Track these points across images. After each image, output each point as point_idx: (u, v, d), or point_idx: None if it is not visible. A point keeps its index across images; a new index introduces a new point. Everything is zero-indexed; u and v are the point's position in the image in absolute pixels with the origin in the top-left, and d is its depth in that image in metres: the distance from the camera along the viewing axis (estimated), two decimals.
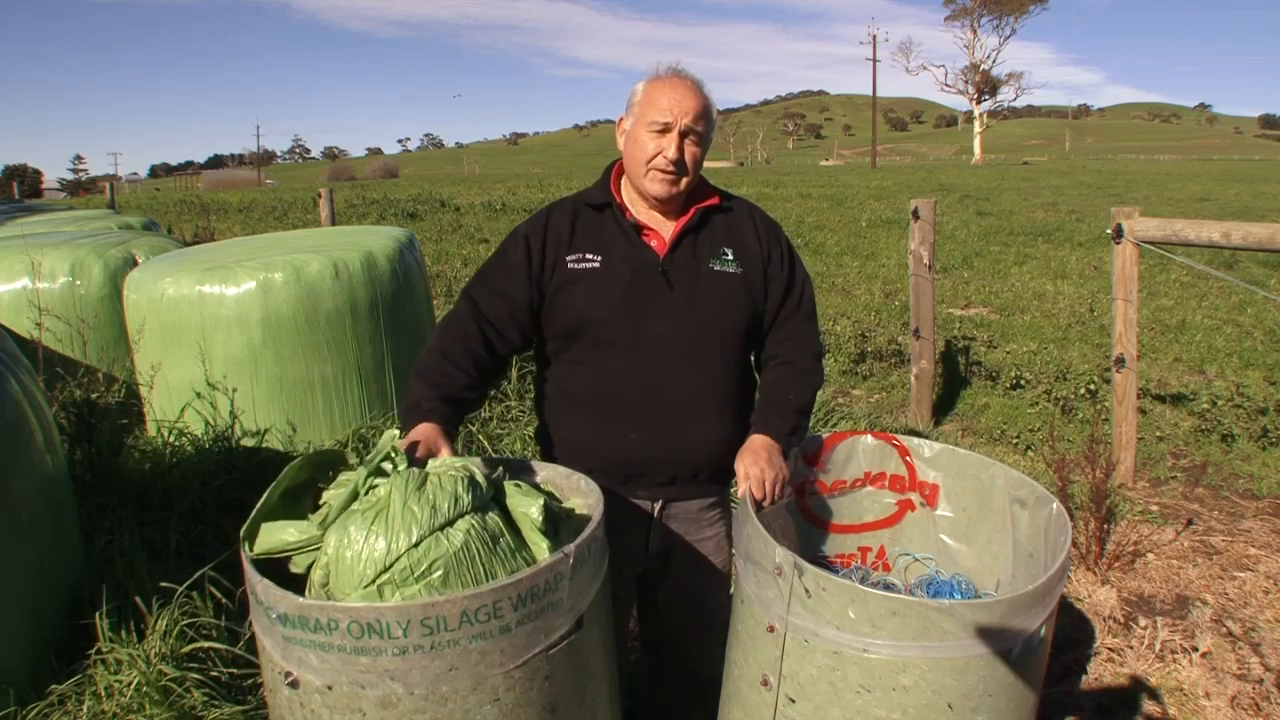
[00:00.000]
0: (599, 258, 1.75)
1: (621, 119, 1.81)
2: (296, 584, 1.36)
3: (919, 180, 24.69)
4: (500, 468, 1.57)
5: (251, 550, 1.33)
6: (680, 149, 1.70)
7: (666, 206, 1.79)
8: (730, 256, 1.79)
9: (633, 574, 1.91)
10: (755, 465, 1.65)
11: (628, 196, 1.82)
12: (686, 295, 1.75)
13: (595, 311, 1.74)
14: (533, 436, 2.02)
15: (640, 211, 1.80)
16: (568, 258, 1.76)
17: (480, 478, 1.39)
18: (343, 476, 1.41)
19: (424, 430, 1.53)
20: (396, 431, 1.47)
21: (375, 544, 1.27)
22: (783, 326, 1.85)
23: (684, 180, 1.74)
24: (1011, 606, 1.33)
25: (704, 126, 1.73)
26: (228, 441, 3.67)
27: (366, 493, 1.34)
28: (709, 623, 1.95)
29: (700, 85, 1.74)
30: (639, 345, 1.74)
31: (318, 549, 1.33)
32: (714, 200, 1.83)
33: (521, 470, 1.69)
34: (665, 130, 1.70)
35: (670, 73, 1.75)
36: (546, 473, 1.69)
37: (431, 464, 1.42)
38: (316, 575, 1.32)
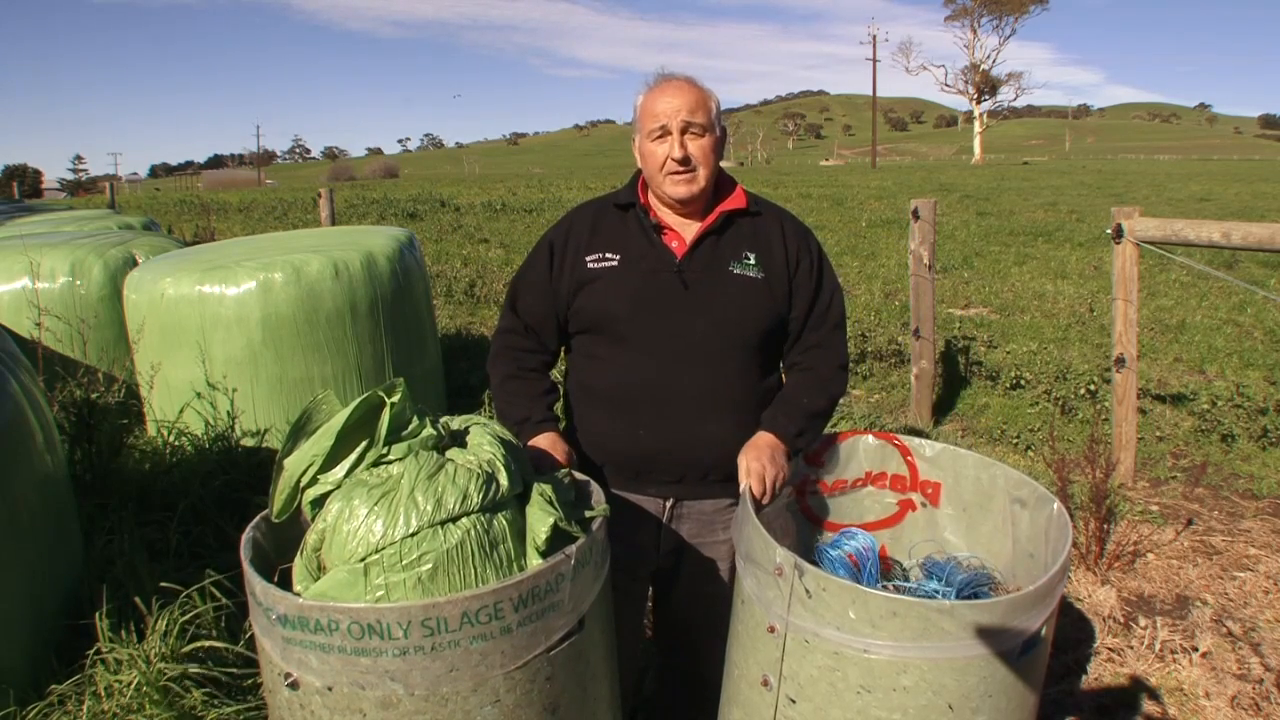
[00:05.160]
0: (617, 257, 1.78)
1: (634, 139, 1.84)
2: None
3: (919, 180, 24.67)
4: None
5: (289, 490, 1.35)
6: (684, 146, 1.72)
7: (690, 208, 1.80)
8: (752, 261, 1.79)
9: (646, 573, 1.93)
10: (757, 460, 1.66)
11: (653, 200, 1.84)
12: (703, 297, 1.76)
13: (611, 308, 1.76)
14: None
15: (665, 214, 1.82)
16: (588, 258, 1.79)
17: (503, 477, 1.36)
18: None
19: (550, 441, 1.74)
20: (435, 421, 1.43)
21: (373, 524, 1.26)
22: (809, 334, 1.86)
23: (701, 175, 1.74)
24: (1012, 606, 1.33)
25: (702, 117, 1.73)
26: (228, 441, 3.67)
27: (378, 463, 1.34)
28: (719, 629, 1.95)
29: (689, 80, 1.76)
30: (652, 343, 1.75)
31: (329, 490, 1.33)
32: (740, 204, 1.83)
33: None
34: (664, 134, 1.73)
35: (657, 79, 1.79)
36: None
37: (454, 451, 1.40)
38: (311, 538, 1.32)
